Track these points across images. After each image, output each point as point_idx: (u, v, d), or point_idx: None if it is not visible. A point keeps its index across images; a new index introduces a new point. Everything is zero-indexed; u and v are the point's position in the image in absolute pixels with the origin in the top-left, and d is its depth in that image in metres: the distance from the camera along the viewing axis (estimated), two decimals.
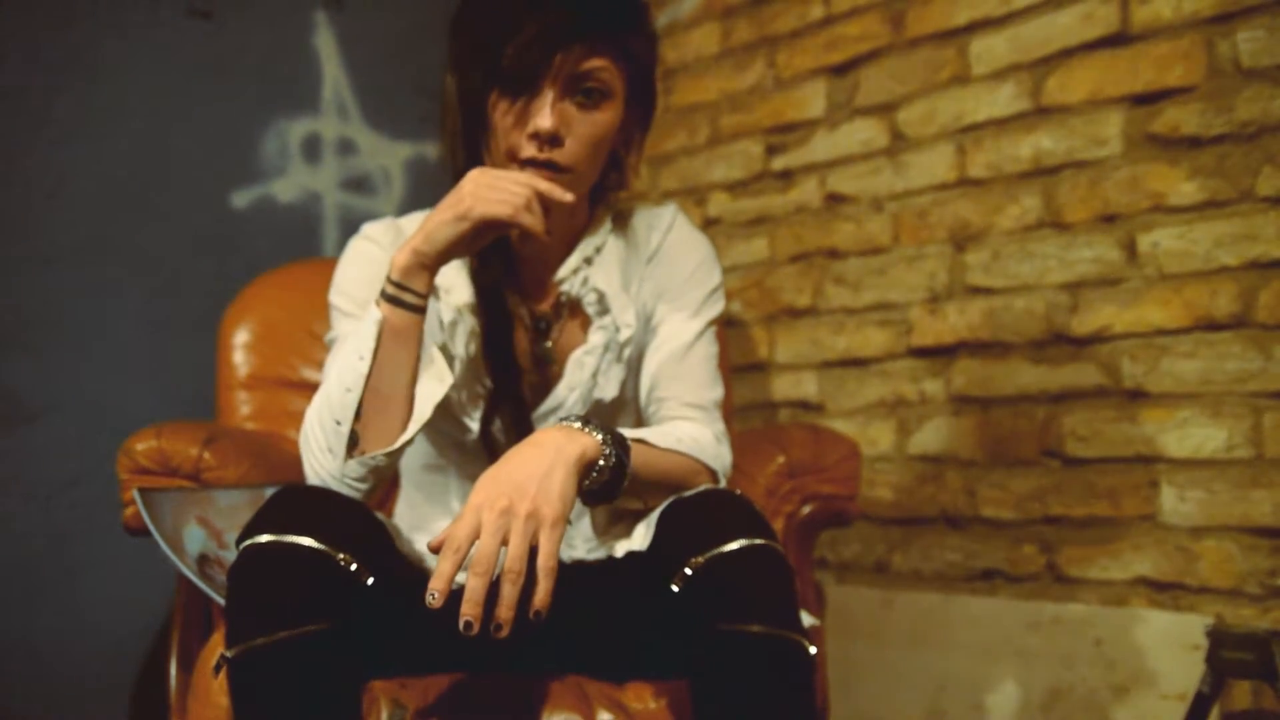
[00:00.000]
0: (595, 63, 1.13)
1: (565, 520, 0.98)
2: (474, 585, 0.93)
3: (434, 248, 1.10)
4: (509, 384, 1.25)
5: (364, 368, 1.09)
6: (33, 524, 1.84)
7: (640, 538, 1.18)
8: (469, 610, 0.92)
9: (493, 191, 1.08)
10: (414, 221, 1.31)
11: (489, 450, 1.26)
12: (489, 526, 0.95)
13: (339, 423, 1.09)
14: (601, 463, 1.04)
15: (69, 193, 1.90)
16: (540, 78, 1.12)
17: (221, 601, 1.15)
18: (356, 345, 1.10)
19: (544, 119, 1.12)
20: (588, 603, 1.16)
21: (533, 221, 1.09)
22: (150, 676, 1.92)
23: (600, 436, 1.05)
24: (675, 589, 1.02)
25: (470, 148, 1.20)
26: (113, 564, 1.87)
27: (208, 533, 1.24)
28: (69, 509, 1.87)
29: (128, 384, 1.93)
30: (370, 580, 1.03)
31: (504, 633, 0.93)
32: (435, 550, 0.96)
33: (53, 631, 1.85)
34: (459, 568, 0.94)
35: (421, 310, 1.12)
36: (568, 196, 1.11)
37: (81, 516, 1.87)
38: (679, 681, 1.13)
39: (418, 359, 1.14)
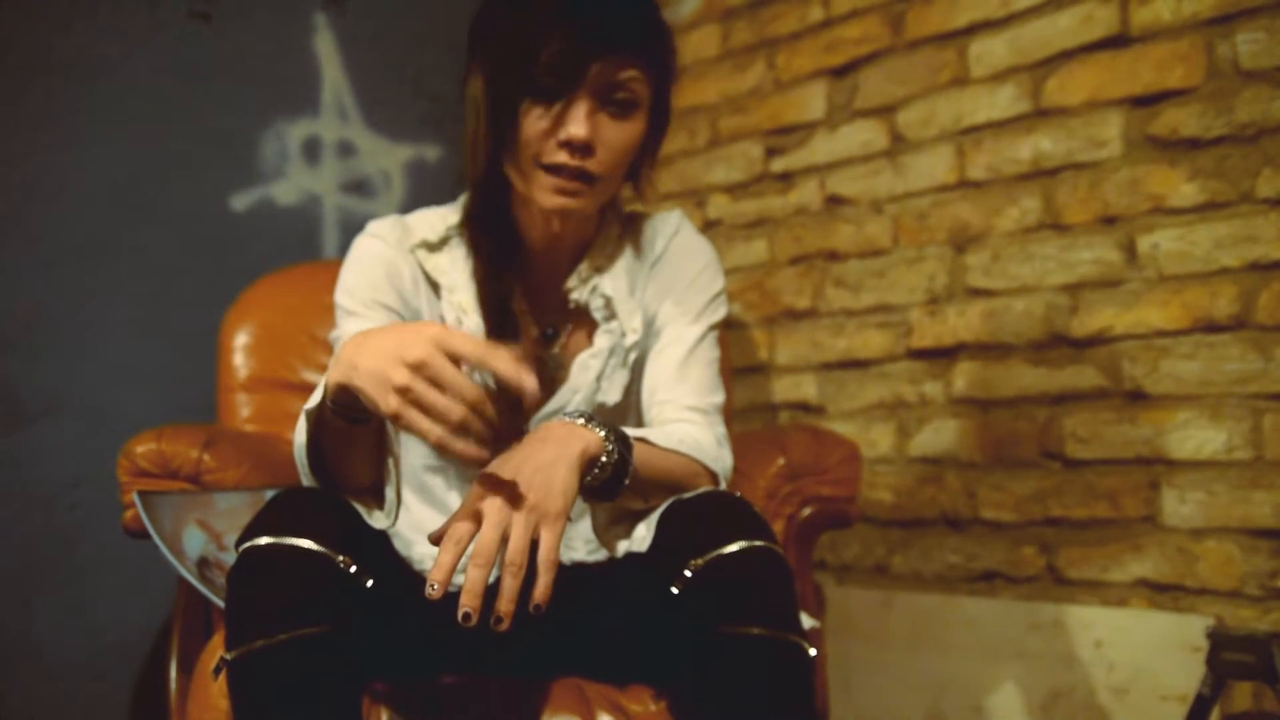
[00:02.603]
0: (630, 72, 1.13)
1: (567, 515, 0.98)
2: (474, 576, 0.93)
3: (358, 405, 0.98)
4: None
5: (303, 447, 1.06)
6: (33, 526, 1.84)
7: (640, 539, 1.18)
8: (468, 601, 0.92)
9: (431, 398, 0.89)
10: (420, 219, 1.31)
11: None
12: (490, 519, 0.95)
13: (302, 468, 1.09)
14: (604, 459, 1.04)
15: (69, 195, 1.90)
16: (577, 85, 1.12)
17: (221, 604, 1.16)
18: (300, 426, 1.06)
19: (578, 127, 1.12)
20: (588, 604, 1.16)
21: (464, 448, 0.90)
22: (150, 679, 1.92)
23: (603, 433, 1.05)
24: (675, 591, 1.02)
25: (493, 154, 1.19)
26: (113, 566, 1.87)
27: (207, 535, 1.24)
28: (69, 511, 1.87)
29: (128, 386, 1.93)
30: (370, 583, 1.03)
31: (504, 625, 0.93)
32: (436, 542, 0.96)
33: (53, 633, 1.85)
34: (459, 560, 0.94)
35: (365, 421, 1.03)
36: (480, 454, 0.92)
37: (82, 519, 1.87)
38: (679, 684, 1.13)
39: (372, 449, 1.07)
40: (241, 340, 1.75)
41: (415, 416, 0.89)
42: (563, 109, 1.13)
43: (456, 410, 0.89)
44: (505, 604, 0.93)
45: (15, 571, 1.83)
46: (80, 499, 1.87)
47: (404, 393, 0.89)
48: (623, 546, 1.21)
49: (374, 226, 1.29)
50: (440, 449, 0.90)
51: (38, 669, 1.83)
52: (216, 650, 1.16)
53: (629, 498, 1.12)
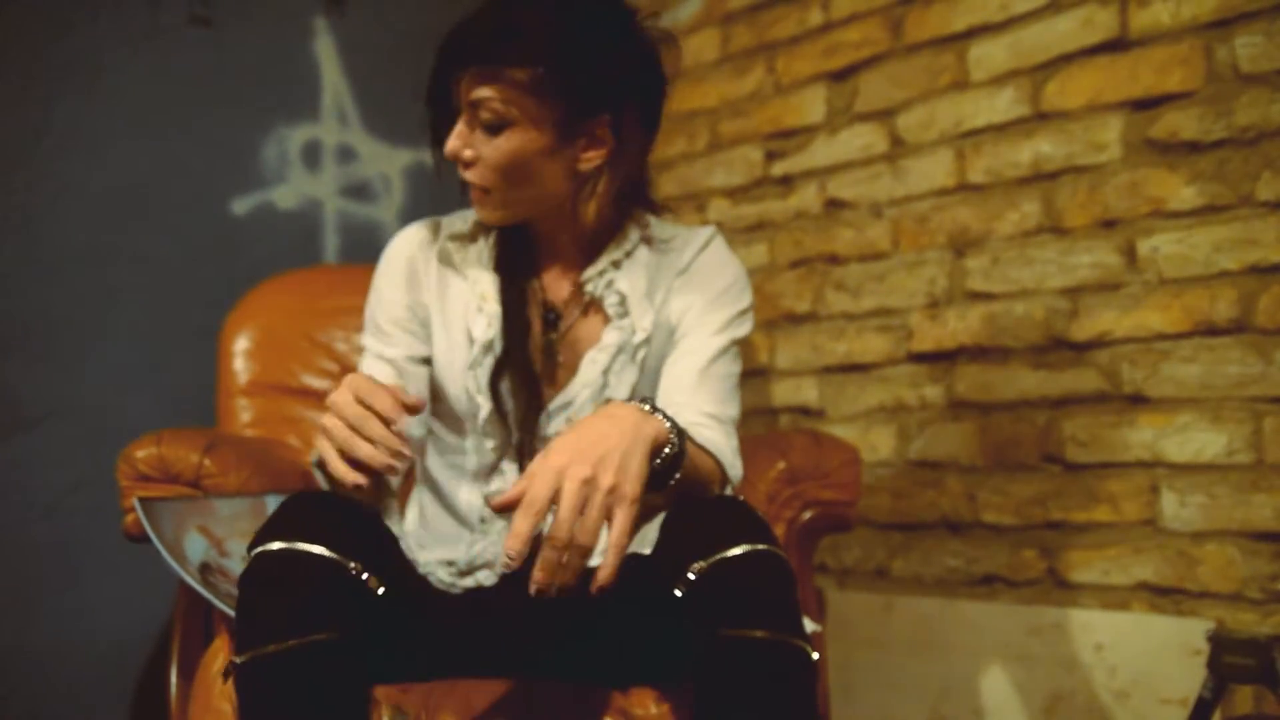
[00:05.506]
0: (481, 92, 1.17)
1: (640, 500, 0.98)
2: (550, 556, 0.93)
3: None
4: (518, 360, 1.27)
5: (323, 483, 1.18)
6: (33, 531, 1.84)
7: (645, 541, 1.19)
8: (542, 579, 0.93)
9: (325, 424, 1.02)
10: (457, 215, 1.37)
11: (499, 433, 1.27)
12: (570, 495, 0.94)
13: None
14: (667, 450, 1.04)
15: (69, 200, 1.90)
16: (450, 109, 1.22)
17: (223, 609, 1.16)
18: (316, 473, 1.17)
19: (450, 142, 1.21)
20: (591, 608, 1.16)
21: (345, 473, 1.00)
22: (151, 683, 1.92)
23: (668, 423, 1.05)
24: (678, 594, 1.02)
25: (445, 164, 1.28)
26: (113, 571, 1.87)
27: (209, 541, 1.24)
28: (69, 516, 1.87)
29: (128, 391, 1.93)
30: (381, 590, 1.03)
31: (566, 595, 0.94)
32: (499, 509, 0.96)
33: (53, 638, 1.85)
34: (535, 529, 0.94)
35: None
36: (396, 466, 1.00)
37: (82, 523, 1.87)
38: (682, 687, 1.13)
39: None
40: (242, 345, 1.75)
41: (324, 448, 1.01)
42: (450, 126, 1.23)
43: (339, 431, 1.00)
44: (569, 578, 0.94)
45: (15, 576, 1.83)
46: (80, 503, 1.87)
47: (323, 433, 1.02)
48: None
49: (409, 233, 1.37)
50: (336, 482, 1.01)
51: (38, 673, 1.83)
52: (217, 655, 1.17)
53: (665, 493, 1.11)
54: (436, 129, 1.26)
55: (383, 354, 1.29)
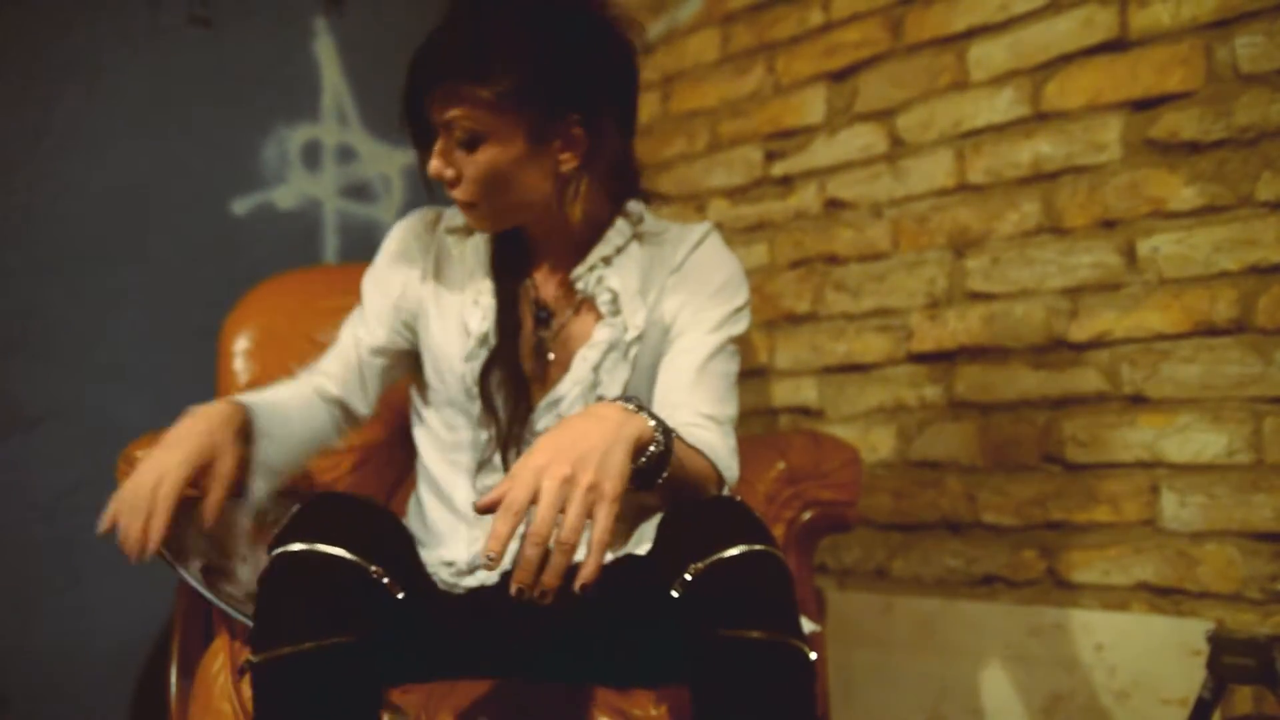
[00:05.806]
0: (452, 112, 1.19)
1: (621, 498, 0.98)
2: (530, 555, 0.93)
3: None
4: (508, 357, 1.28)
5: None
6: (33, 531, 1.84)
7: (642, 542, 1.18)
8: (523, 578, 0.93)
9: (133, 500, 1.19)
10: (454, 213, 1.38)
11: (491, 428, 1.27)
12: (550, 495, 0.94)
13: None
14: (652, 449, 1.04)
15: (69, 200, 1.90)
16: (428, 128, 1.23)
17: (224, 609, 1.16)
18: None
19: (431, 164, 1.23)
20: (588, 609, 1.16)
21: (128, 541, 1.17)
22: (151, 683, 1.92)
23: (653, 423, 1.05)
24: (675, 595, 1.02)
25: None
26: (113, 571, 1.87)
27: (209, 542, 1.24)
28: (69, 516, 1.87)
29: (128, 391, 1.93)
30: (400, 595, 1.04)
31: (548, 599, 0.94)
32: (482, 511, 0.96)
33: (53, 638, 1.85)
34: (515, 529, 0.94)
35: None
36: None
37: (81, 523, 1.87)
38: (680, 687, 1.13)
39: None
40: (242, 344, 1.75)
41: (126, 512, 1.19)
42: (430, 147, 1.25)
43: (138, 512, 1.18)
44: (552, 579, 0.93)
45: (16, 576, 1.83)
46: (80, 503, 1.87)
47: (125, 496, 1.21)
48: (624, 550, 1.21)
49: (410, 223, 1.40)
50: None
51: (38, 673, 1.83)
52: (217, 655, 1.17)
53: (655, 493, 1.11)
54: (419, 145, 1.27)
55: (355, 331, 1.37)
